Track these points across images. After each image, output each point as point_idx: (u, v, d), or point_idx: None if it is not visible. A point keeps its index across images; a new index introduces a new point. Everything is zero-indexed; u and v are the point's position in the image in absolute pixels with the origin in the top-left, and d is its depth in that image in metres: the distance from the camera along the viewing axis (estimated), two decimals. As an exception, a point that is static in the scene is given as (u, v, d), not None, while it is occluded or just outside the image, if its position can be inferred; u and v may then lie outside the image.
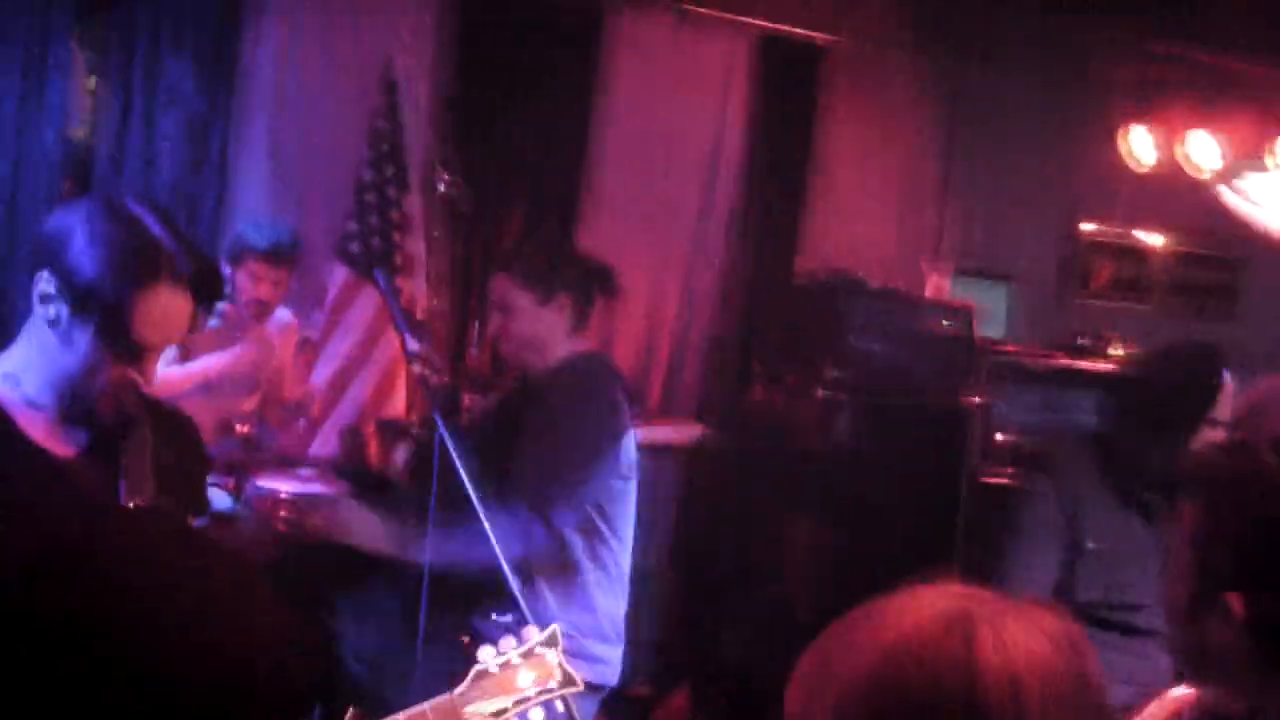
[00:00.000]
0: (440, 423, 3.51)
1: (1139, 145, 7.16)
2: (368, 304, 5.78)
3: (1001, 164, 7.38)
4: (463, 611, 3.83)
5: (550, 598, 3.85)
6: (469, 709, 2.65)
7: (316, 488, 5.46)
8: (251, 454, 5.22)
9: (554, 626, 2.82)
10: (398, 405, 5.95)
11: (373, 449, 5.13)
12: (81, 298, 2.41)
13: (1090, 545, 3.90)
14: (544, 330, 4.03)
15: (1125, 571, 3.88)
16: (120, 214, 2.46)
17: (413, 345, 3.65)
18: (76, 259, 2.40)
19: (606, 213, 6.63)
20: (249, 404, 5.44)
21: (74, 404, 2.49)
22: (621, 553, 4.05)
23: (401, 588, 4.75)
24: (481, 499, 3.39)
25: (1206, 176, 7.04)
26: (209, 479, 2.86)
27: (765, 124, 7.05)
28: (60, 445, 2.52)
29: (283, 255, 5.21)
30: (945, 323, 6.22)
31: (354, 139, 5.91)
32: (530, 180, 6.51)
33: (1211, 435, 3.85)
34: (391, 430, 5.18)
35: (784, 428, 6.03)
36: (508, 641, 2.75)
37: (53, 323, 2.44)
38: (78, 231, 2.42)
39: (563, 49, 6.57)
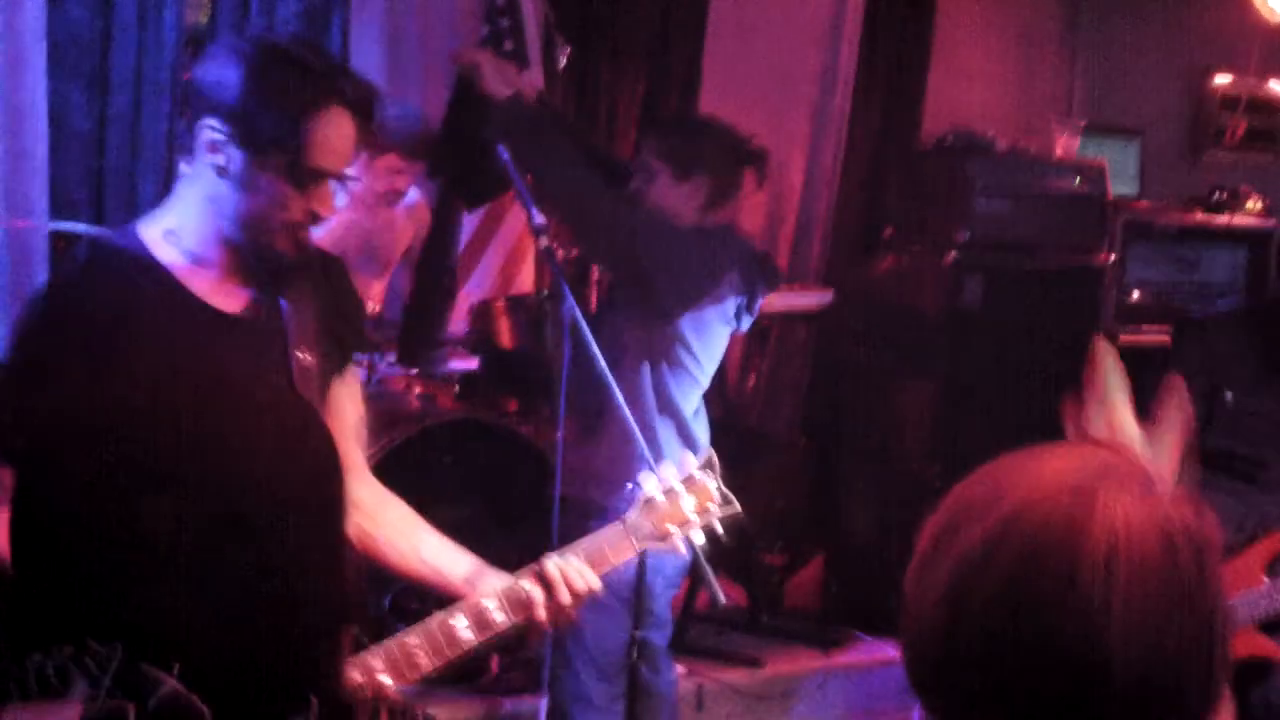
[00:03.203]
0: (567, 293, 3.54)
1: (1272, -6, 6.94)
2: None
3: (1130, 18, 7.20)
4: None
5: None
6: (637, 534, 2.77)
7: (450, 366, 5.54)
8: (383, 332, 5.28)
9: (709, 452, 2.93)
10: (526, 281, 5.98)
11: (502, 326, 5.13)
12: (255, 135, 2.40)
13: (1228, 397, 4.18)
14: (677, 204, 4.08)
15: (1259, 429, 4.17)
16: (273, 48, 2.47)
17: (538, 219, 3.65)
18: (243, 98, 2.39)
19: (727, 82, 6.54)
20: (379, 284, 5.48)
21: (254, 248, 2.48)
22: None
23: (527, 462, 4.84)
24: (611, 369, 3.43)
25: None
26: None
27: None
28: (226, 300, 2.51)
29: (419, 147, 5.18)
30: (1075, 181, 6.10)
31: (471, 18, 5.88)
32: (649, 51, 6.45)
33: None
34: (521, 306, 5.18)
35: (912, 292, 5.98)
36: (669, 469, 2.86)
37: (223, 169, 2.42)
38: (237, 71, 2.41)
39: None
